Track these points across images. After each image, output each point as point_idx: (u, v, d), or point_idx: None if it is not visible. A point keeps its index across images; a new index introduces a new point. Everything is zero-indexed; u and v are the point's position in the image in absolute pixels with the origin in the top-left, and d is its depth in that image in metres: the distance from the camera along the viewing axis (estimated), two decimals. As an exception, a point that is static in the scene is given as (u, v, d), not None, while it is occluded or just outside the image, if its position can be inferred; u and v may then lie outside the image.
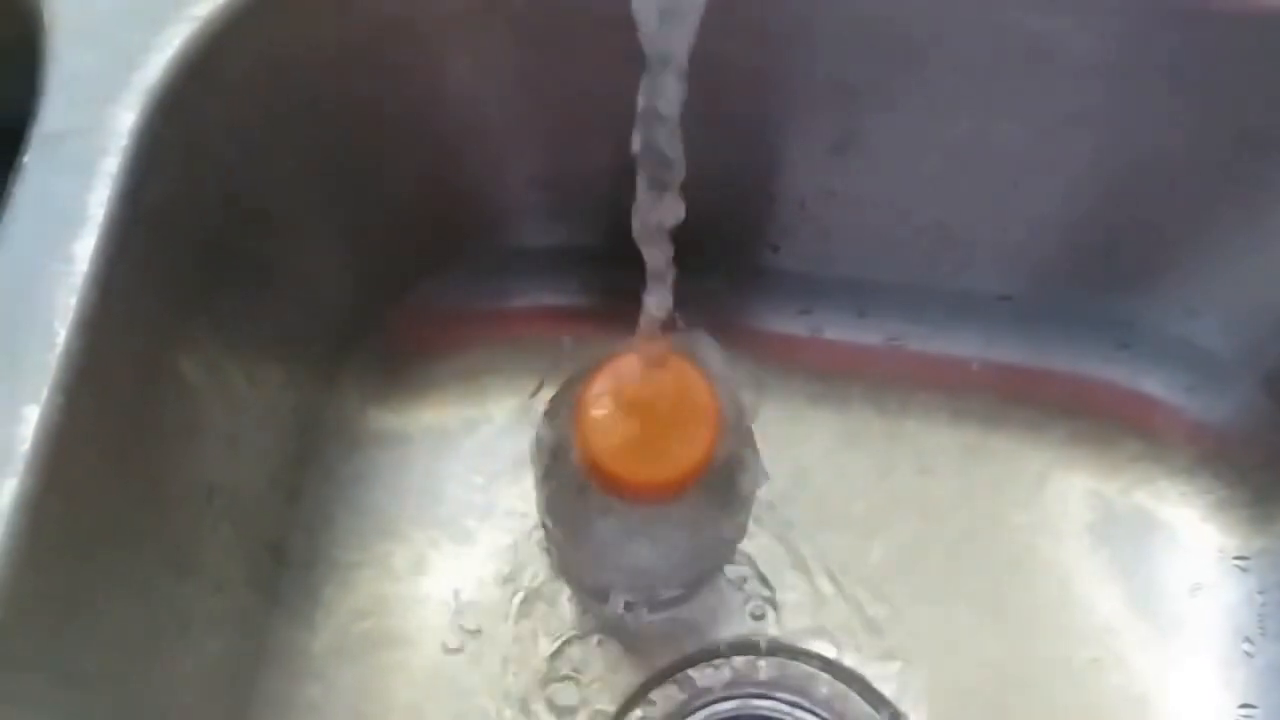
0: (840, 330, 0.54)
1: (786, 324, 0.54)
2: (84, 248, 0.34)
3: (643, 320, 0.34)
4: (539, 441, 0.41)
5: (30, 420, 0.32)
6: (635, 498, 0.38)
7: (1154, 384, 0.52)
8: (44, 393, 0.33)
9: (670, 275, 0.32)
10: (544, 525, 0.47)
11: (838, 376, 0.53)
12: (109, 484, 0.36)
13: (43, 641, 0.34)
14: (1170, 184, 0.46)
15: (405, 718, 0.47)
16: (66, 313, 0.34)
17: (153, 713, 0.40)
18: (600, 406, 0.36)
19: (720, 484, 0.39)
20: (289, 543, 0.49)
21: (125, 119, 0.36)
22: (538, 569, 0.49)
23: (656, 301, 0.32)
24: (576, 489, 0.39)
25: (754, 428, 0.42)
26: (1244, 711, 0.47)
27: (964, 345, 0.53)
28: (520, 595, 0.49)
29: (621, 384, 0.37)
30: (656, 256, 0.31)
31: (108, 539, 0.36)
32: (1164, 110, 0.43)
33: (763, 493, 0.49)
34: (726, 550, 0.47)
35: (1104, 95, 0.43)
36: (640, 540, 0.41)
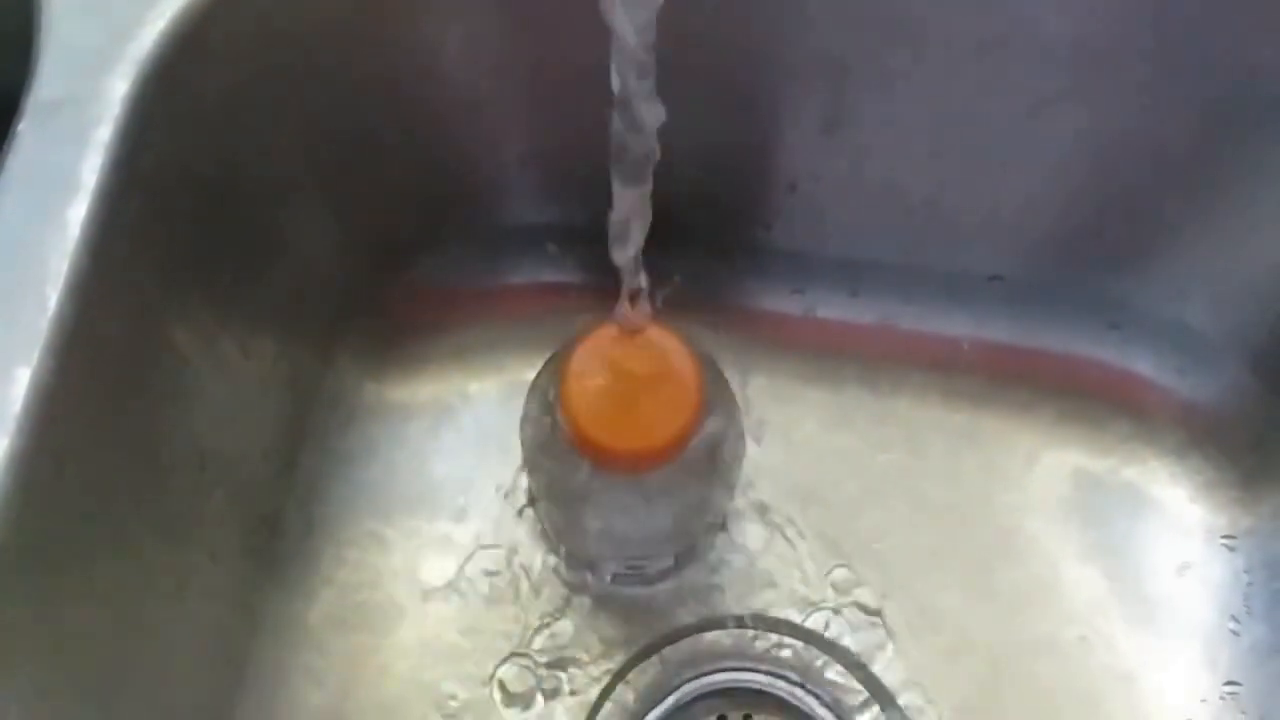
0: (833, 310, 0.54)
1: (779, 303, 0.54)
2: (77, 214, 0.35)
3: (624, 291, 0.34)
4: (526, 413, 0.42)
5: (22, 381, 0.33)
6: (621, 466, 0.38)
7: (1144, 364, 0.52)
8: (35, 355, 0.33)
9: (637, 248, 0.32)
10: (533, 497, 0.47)
11: (830, 356, 0.53)
12: (101, 447, 0.36)
13: (33, 604, 0.34)
14: (1159, 164, 0.46)
15: (398, 688, 0.48)
16: (59, 278, 0.34)
17: (145, 678, 0.41)
18: (585, 377, 0.37)
19: (704, 453, 0.39)
20: (283, 514, 0.50)
21: (118, 88, 0.36)
22: (529, 542, 0.50)
23: (632, 272, 0.32)
24: (563, 459, 0.40)
25: (746, 407, 0.42)
26: (1229, 689, 0.47)
27: (955, 325, 0.53)
28: (512, 567, 0.49)
29: (605, 354, 0.37)
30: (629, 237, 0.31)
31: (100, 502, 0.37)
32: (1152, 90, 0.43)
33: (753, 470, 0.50)
34: (713, 521, 0.47)
35: (1091, 74, 0.43)
36: (627, 510, 0.41)
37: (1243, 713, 0.47)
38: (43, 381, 0.33)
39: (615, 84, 0.28)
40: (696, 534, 0.47)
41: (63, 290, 0.34)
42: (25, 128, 0.36)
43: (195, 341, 0.42)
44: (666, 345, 0.37)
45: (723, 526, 0.49)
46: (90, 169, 0.35)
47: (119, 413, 0.37)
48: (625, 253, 0.32)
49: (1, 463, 0.32)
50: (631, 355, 0.37)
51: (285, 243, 0.47)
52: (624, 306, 0.35)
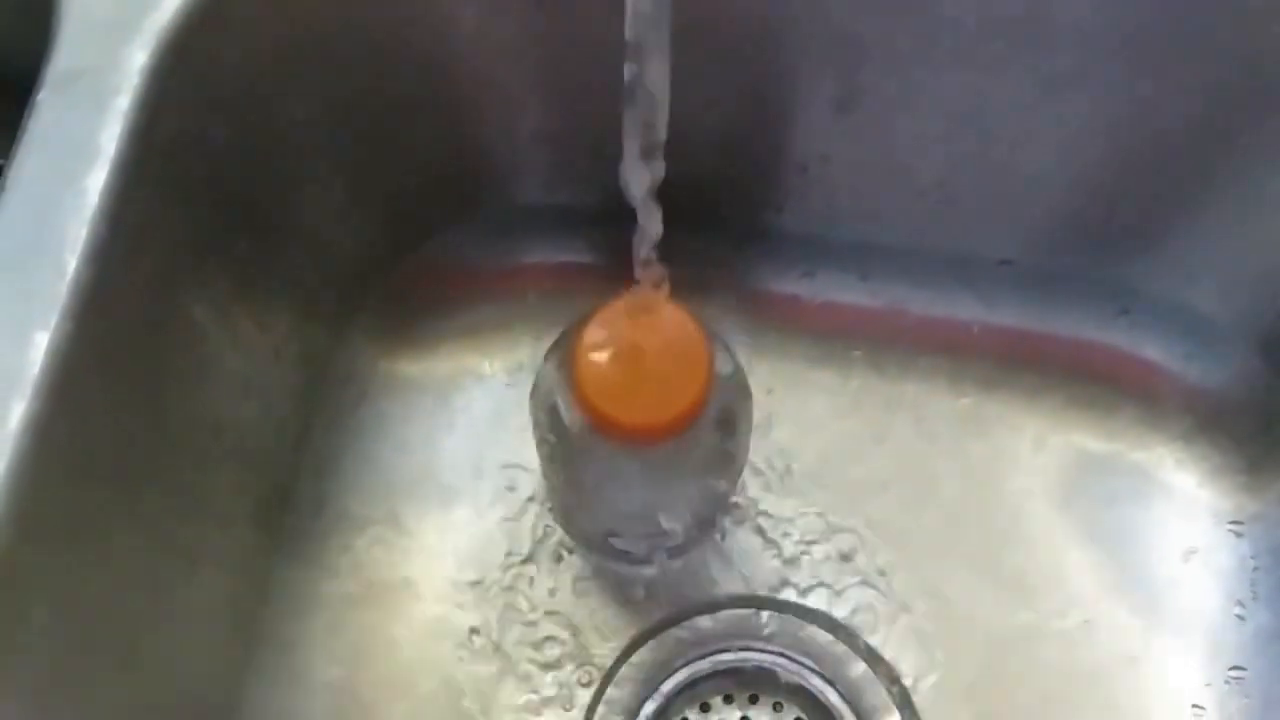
0: (842, 293, 0.54)
1: (789, 286, 0.54)
2: (95, 182, 0.35)
3: (636, 265, 0.34)
4: (537, 389, 0.42)
5: (40, 345, 0.33)
6: (630, 441, 0.38)
7: (1152, 350, 0.52)
8: (53, 320, 0.33)
9: (657, 214, 0.32)
10: (544, 474, 0.48)
11: (839, 339, 0.54)
12: (116, 413, 0.37)
13: (47, 567, 0.34)
14: (1169, 149, 0.46)
15: (407, 662, 0.48)
16: (77, 244, 0.34)
17: (155, 646, 0.41)
18: (596, 351, 0.37)
19: (713, 431, 0.40)
20: (296, 487, 0.50)
21: (137, 58, 0.37)
22: (540, 518, 0.50)
23: (646, 243, 0.33)
24: (574, 435, 0.40)
25: (754, 389, 0.42)
26: (1234, 673, 0.48)
27: (964, 309, 0.53)
28: (522, 544, 0.50)
29: (617, 330, 0.37)
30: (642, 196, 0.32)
31: (114, 467, 0.37)
32: (1163, 74, 0.43)
33: (760, 452, 0.50)
34: (723, 498, 0.47)
35: (1103, 58, 0.43)
36: (636, 486, 0.42)
37: (1247, 697, 0.47)
38: (60, 346, 0.33)
39: (627, 69, 0.28)
40: (705, 512, 0.47)
41: (81, 257, 0.34)
42: (45, 97, 0.36)
43: (210, 312, 0.42)
44: (677, 321, 0.38)
45: (730, 506, 0.50)
46: (109, 138, 0.36)
47: (135, 379, 0.38)
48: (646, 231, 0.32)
49: (21, 424, 0.32)
50: (642, 331, 0.37)
51: (300, 217, 0.48)
52: (639, 271, 0.35)
